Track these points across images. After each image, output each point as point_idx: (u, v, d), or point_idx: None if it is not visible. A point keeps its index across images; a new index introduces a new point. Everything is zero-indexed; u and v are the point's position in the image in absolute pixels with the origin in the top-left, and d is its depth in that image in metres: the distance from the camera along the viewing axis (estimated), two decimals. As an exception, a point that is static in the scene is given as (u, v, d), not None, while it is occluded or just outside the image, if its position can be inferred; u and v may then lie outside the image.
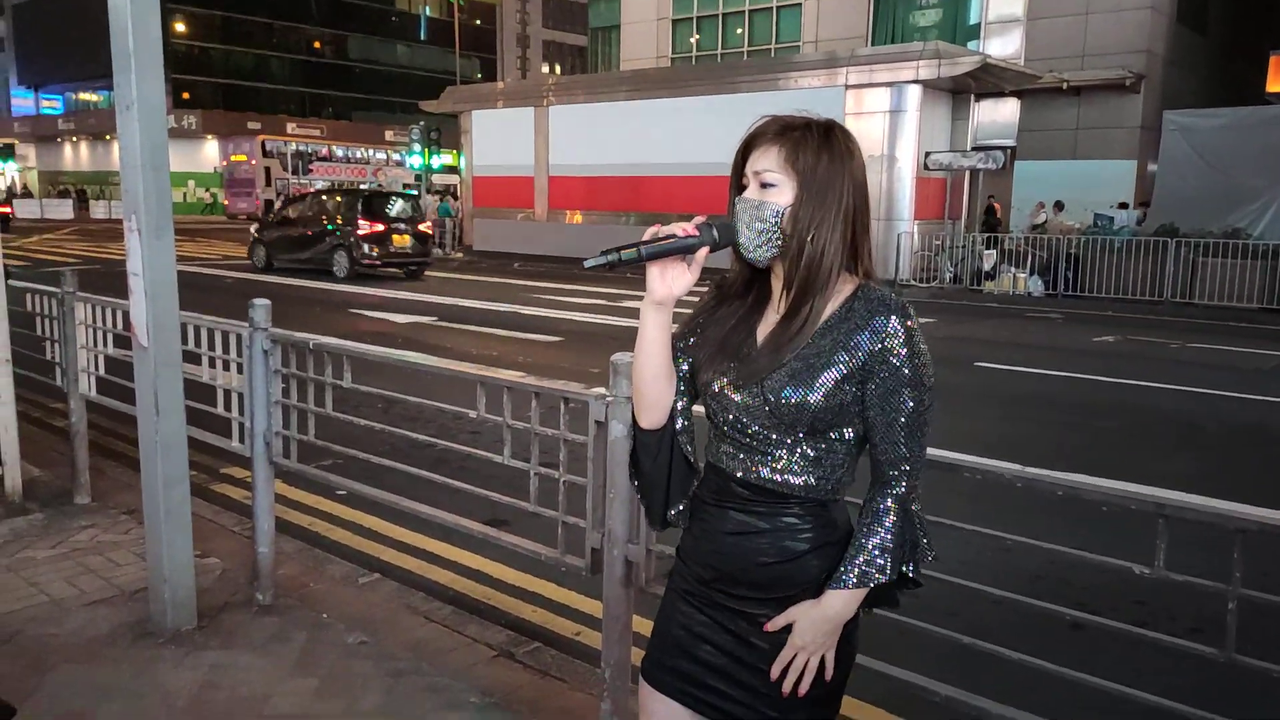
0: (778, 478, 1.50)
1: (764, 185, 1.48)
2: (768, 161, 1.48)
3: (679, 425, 1.63)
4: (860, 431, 1.50)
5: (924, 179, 18.31)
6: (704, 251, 1.50)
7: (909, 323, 1.45)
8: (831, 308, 1.48)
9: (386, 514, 4.64)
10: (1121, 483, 1.77)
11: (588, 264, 1.46)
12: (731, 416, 1.52)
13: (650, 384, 1.58)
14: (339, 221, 18.09)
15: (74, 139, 56.84)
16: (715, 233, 1.49)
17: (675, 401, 1.62)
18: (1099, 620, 1.88)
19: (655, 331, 1.55)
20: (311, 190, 32.09)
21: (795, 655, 1.50)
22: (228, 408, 3.80)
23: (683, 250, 1.48)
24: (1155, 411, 7.74)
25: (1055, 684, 1.89)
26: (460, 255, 24.95)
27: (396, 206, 18.92)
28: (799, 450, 1.49)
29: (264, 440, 3.52)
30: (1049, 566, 4.05)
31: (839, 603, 1.48)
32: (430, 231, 20.02)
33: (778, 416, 1.47)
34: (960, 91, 18.55)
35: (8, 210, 35.07)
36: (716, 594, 1.58)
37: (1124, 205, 18.47)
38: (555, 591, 3.94)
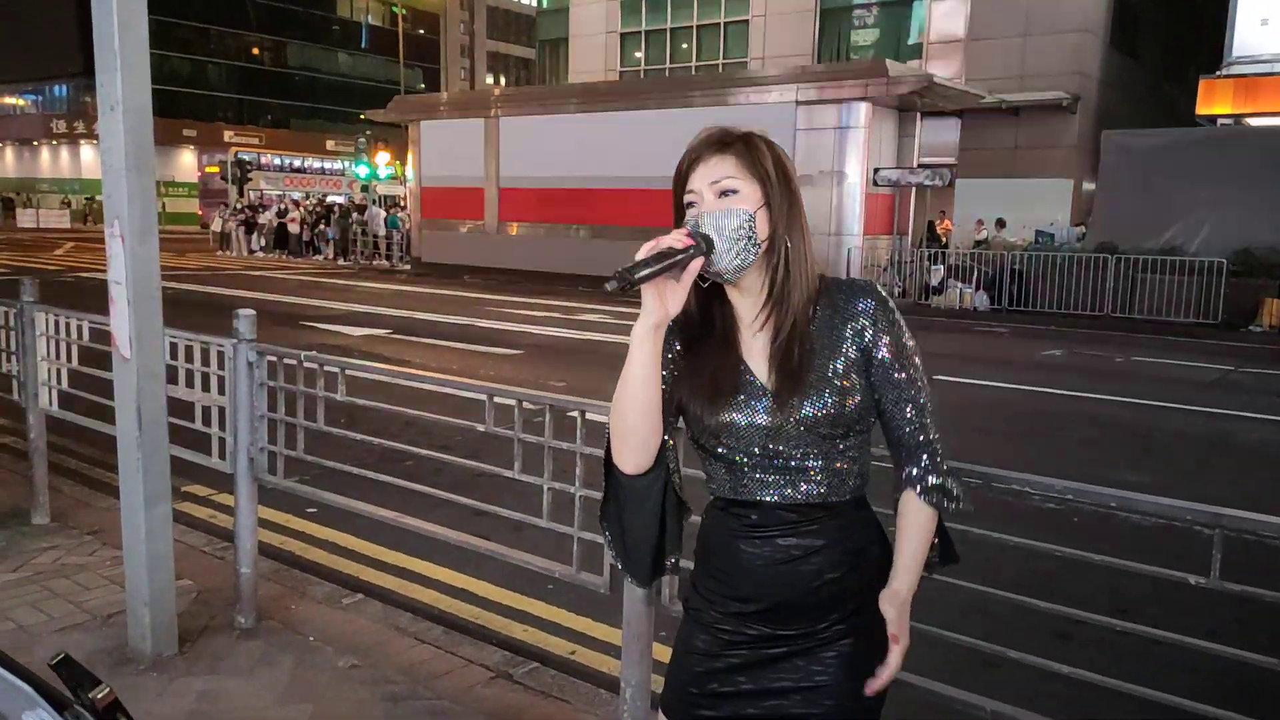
0: (824, 489, 1.45)
1: (724, 194, 1.41)
2: (723, 169, 1.42)
3: (673, 465, 1.51)
4: (873, 417, 1.49)
5: (873, 195, 18.59)
6: (698, 263, 1.38)
7: (885, 296, 1.47)
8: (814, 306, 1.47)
9: (362, 531, 4.52)
10: (1173, 499, 1.78)
11: (608, 287, 1.36)
12: (758, 449, 1.45)
13: (643, 420, 1.42)
14: None
15: (-1, 144, 54.91)
16: (703, 241, 1.38)
17: (665, 439, 1.48)
18: (1118, 622, 1.89)
19: (649, 360, 1.40)
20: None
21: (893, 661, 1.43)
22: (206, 423, 3.65)
23: (684, 262, 1.37)
24: (1108, 422, 7.93)
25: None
26: (408, 267, 24.64)
27: None
28: (835, 456, 1.45)
29: (248, 456, 3.39)
30: (1028, 575, 4.09)
31: (911, 579, 1.45)
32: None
33: (812, 432, 1.43)
34: (906, 109, 18.91)
35: None
36: (765, 627, 1.48)
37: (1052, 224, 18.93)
38: (544, 609, 3.86)
